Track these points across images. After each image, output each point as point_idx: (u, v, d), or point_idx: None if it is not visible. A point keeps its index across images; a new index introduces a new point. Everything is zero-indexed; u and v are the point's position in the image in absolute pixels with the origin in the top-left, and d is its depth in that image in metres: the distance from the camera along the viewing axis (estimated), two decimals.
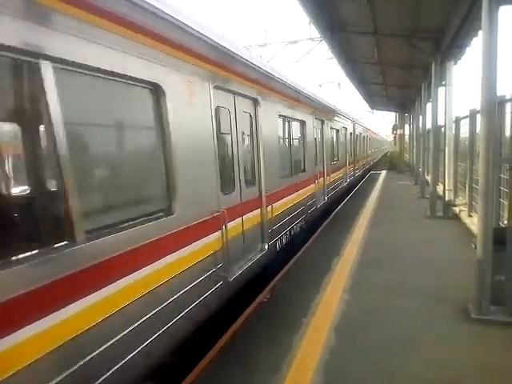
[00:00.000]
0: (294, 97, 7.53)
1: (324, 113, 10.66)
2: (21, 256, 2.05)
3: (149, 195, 3.43)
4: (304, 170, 8.36)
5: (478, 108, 4.69)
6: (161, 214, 3.25)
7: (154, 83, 3.17)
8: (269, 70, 6.08)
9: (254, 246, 5.40)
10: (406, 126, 29.42)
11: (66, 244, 2.31)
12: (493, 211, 4.55)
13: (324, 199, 10.32)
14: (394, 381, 3.29)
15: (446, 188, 10.55)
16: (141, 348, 2.84)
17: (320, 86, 30.63)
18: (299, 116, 7.99)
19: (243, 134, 5.17)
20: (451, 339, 3.90)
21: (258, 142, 5.56)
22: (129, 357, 2.71)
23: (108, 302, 2.54)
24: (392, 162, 28.56)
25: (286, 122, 7.37)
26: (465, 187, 9.12)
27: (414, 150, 21.45)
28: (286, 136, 7.46)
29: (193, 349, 4.11)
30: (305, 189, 8.19)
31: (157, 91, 3.24)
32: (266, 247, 5.61)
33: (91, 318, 2.41)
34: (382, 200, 13.36)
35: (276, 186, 6.22)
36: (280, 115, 6.66)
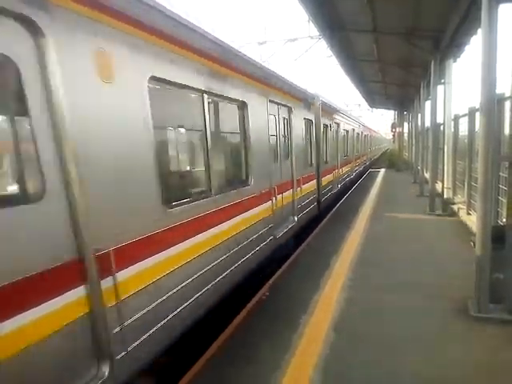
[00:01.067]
0: (220, 58, 4.47)
1: (291, 95, 7.37)
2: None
3: None
4: (247, 184, 5.41)
5: (477, 106, 4.70)
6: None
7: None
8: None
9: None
10: (405, 125, 29.47)
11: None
12: (491, 209, 4.57)
13: (294, 220, 7.56)
14: (394, 379, 3.31)
15: (445, 186, 10.57)
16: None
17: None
18: (233, 93, 4.83)
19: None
20: (451, 337, 3.92)
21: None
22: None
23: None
24: (391, 160, 28.60)
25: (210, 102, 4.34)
26: (464, 185, 9.13)
27: (413, 148, 21.46)
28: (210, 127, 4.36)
29: (192, 346, 4.13)
30: (248, 213, 5.29)
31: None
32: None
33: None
34: (381, 198, 13.37)
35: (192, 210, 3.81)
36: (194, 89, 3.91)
